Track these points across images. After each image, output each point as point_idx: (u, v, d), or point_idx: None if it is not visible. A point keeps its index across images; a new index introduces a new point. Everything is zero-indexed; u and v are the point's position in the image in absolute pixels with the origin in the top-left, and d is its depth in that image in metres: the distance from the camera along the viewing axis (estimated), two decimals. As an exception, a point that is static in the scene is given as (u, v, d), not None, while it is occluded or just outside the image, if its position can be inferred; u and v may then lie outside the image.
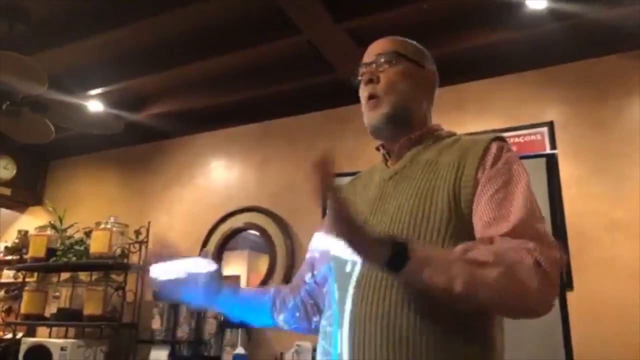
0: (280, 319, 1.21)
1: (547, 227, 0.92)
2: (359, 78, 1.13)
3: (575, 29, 2.72)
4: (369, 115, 1.10)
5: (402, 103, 1.08)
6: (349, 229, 0.82)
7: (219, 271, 1.19)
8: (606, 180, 2.75)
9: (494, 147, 0.99)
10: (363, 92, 1.11)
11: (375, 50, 1.13)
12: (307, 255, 1.25)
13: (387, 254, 0.82)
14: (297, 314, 1.20)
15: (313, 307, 1.20)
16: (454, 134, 1.13)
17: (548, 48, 2.88)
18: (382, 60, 1.10)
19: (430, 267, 0.82)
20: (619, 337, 2.46)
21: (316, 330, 1.16)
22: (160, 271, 1.13)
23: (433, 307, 0.89)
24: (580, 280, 2.62)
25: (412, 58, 1.12)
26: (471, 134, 3.23)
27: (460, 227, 0.93)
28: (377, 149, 1.16)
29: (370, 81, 1.09)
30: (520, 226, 0.88)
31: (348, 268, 0.99)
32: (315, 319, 1.20)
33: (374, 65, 1.11)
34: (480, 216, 0.92)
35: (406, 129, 1.09)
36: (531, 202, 0.92)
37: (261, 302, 1.22)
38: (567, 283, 2.52)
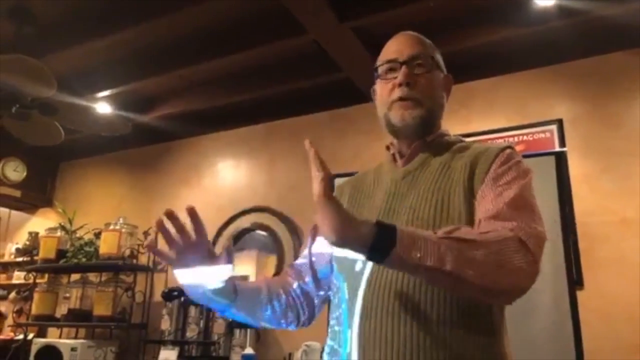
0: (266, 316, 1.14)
1: (538, 218, 0.93)
2: (387, 75, 1.11)
3: (583, 26, 2.69)
4: (401, 113, 1.07)
5: (435, 109, 1.11)
6: (333, 212, 0.79)
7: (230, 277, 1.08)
8: (616, 178, 2.72)
9: (505, 153, 1.02)
10: (395, 92, 1.08)
11: (408, 49, 1.10)
12: (303, 260, 1.19)
13: (372, 236, 0.79)
14: (280, 311, 1.13)
15: (302, 305, 1.15)
16: (462, 140, 1.14)
17: (556, 45, 2.86)
18: (418, 63, 1.09)
19: (418, 248, 0.79)
20: (630, 336, 2.44)
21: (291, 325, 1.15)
22: (185, 275, 1.04)
23: (453, 300, 0.91)
24: (590, 278, 2.60)
25: (440, 65, 1.14)
26: (479, 132, 3.22)
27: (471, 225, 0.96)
28: (388, 147, 1.16)
29: (407, 84, 1.07)
30: (504, 209, 0.91)
31: (358, 267, 0.99)
32: (302, 316, 1.15)
33: (410, 67, 1.08)
34: (480, 209, 0.95)
35: (427, 133, 1.11)
36: (525, 196, 0.95)
37: (257, 302, 1.13)
38: (577, 281, 2.49)
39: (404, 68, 1.08)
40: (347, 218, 0.80)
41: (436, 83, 1.11)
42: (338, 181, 1.29)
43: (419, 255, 0.79)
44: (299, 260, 1.21)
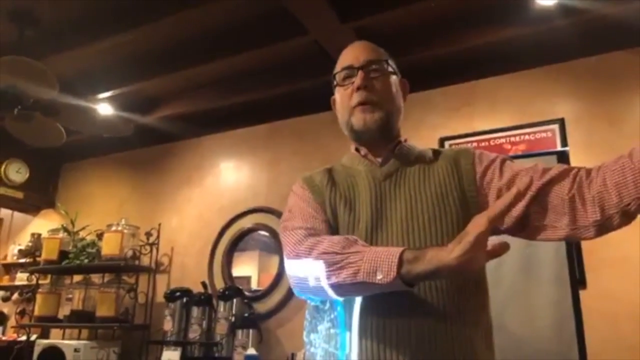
0: None
1: None
2: (345, 82, 1.14)
3: (585, 25, 2.69)
4: (362, 117, 1.09)
5: (394, 111, 1.13)
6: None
7: None
8: (619, 177, 2.71)
9: (477, 152, 1.09)
10: (354, 97, 1.10)
11: (363, 55, 1.14)
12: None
13: None
14: None
15: None
16: (420, 148, 1.17)
17: (558, 44, 2.86)
18: (374, 68, 1.12)
19: None
20: (634, 336, 2.43)
21: None
22: None
23: (460, 295, 0.93)
24: (593, 279, 2.59)
25: (395, 70, 1.17)
26: (481, 132, 3.21)
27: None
28: (357, 149, 1.16)
29: (364, 87, 1.09)
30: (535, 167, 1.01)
31: None
32: None
33: (366, 72, 1.11)
34: (513, 177, 1.00)
35: (390, 136, 1.13)
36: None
37: None
38: (580, 282, 2.49)
39: (360, 72, 1.11)
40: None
41: (393, 86, 1.14)
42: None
43: None
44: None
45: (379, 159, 1.12)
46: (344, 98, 1.14)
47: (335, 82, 1.17)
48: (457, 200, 1.01)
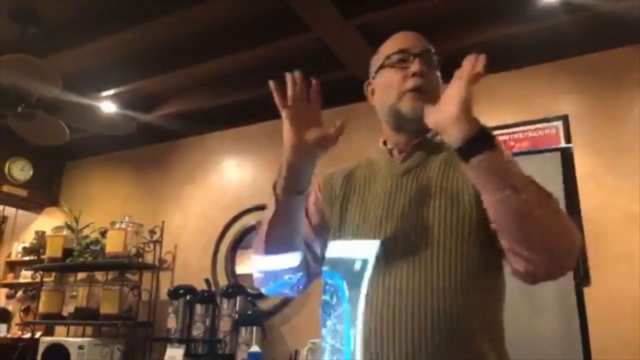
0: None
1: None
2: (398, 64, 1.09)
3: (588, 21, 2.68)
4: (413, 104, 1.05)
5: None
6: (468, 96, 0.89)
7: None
8: (623, 173, 2.70)
9: None
10: (408, 82, 1.06)
11: (420, 44, 1.11)
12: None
13: (477, 132, 0.87)
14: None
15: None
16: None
17: (561, 40, 2.85)
18: (428, 59, 1.10)
19: (511, 162, 0.88)
20: (638, 333, 2.42)
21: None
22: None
23: (465, 297, 0.91)
24: (597, 276, 2.58)
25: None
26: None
27: (482, 224, 0.96)
28: (384, 142, 1.16)
29: (422, 75, 1.06)
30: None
31: (357, 266, 0.99)
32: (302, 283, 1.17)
33: (424, 60, 1.08)
34: None
35: (428, 129, 1.09)
36: None
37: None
38: (584, 279, 2.48)
39: (419, 59, 1.07)
40: (470, 110, 0.89)
41: (440, 82, 1.12)
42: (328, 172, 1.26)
43: (511, 166, 0.87)
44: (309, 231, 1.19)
45: (403, 154, 1.10)
46: (394, 81, 1.09)
47: (382, 63, 1.12)
48: (472, 199, 0.98)
